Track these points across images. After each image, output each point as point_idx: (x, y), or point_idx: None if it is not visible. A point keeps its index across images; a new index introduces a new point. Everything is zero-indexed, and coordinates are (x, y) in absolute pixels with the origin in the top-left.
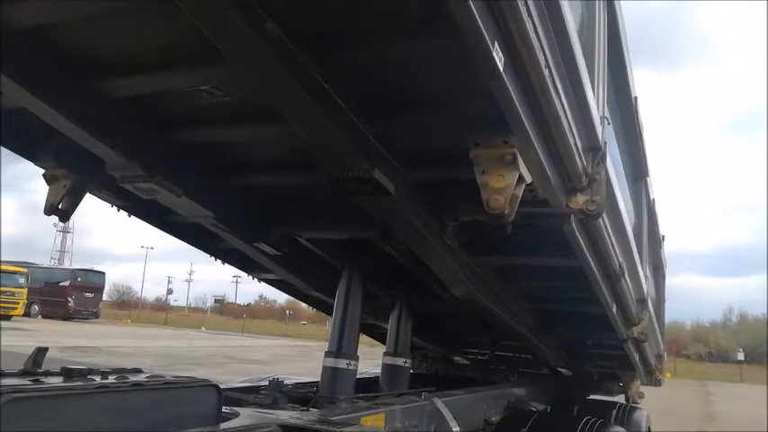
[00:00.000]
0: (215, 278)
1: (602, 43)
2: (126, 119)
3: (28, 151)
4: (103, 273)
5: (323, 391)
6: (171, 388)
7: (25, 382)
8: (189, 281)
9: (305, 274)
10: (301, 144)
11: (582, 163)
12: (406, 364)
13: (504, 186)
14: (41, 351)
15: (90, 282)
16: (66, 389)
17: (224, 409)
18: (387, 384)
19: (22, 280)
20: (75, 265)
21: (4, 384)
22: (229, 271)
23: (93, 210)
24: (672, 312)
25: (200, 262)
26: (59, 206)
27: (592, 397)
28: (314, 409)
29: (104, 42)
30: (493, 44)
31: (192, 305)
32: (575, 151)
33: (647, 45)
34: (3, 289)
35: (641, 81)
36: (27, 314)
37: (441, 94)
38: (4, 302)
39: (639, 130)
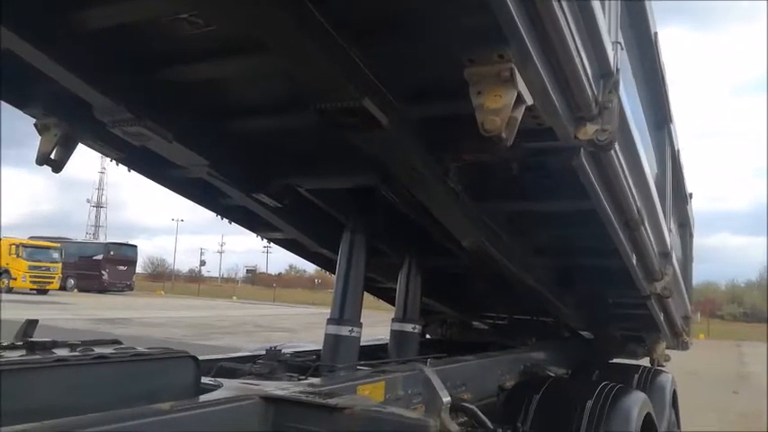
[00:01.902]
0: (246, 249)
1: None
2: (109, 57)
3: (16, 99)
4: (135, 246)
5: (324, 360)
6: (140, 360)
7: None
8: (221, 252)
9: (310, 230)
10: (294, 83)
11: (592, 90)
12: (416, 330)
13: (501, 107)
14: (32, 323)
15: (123, 255)
16: (21, 363)
17: (207, 380)
18: (395, 351)
19: (56, 255)
20: (109, 239)
21: None
22: (260, 241)
23: (127, 184)
24: (707, 273)
25: (230, 234)
26: (51, 156)
27: (615, 360)
28: (312, 378)
29: None
30: None
31: (225, 276)
32: (582, 76)
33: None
34: (39, 264)
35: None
36: (63, 288)
37: (433, 8)
38: (41, 277)
39: (661, 72)
